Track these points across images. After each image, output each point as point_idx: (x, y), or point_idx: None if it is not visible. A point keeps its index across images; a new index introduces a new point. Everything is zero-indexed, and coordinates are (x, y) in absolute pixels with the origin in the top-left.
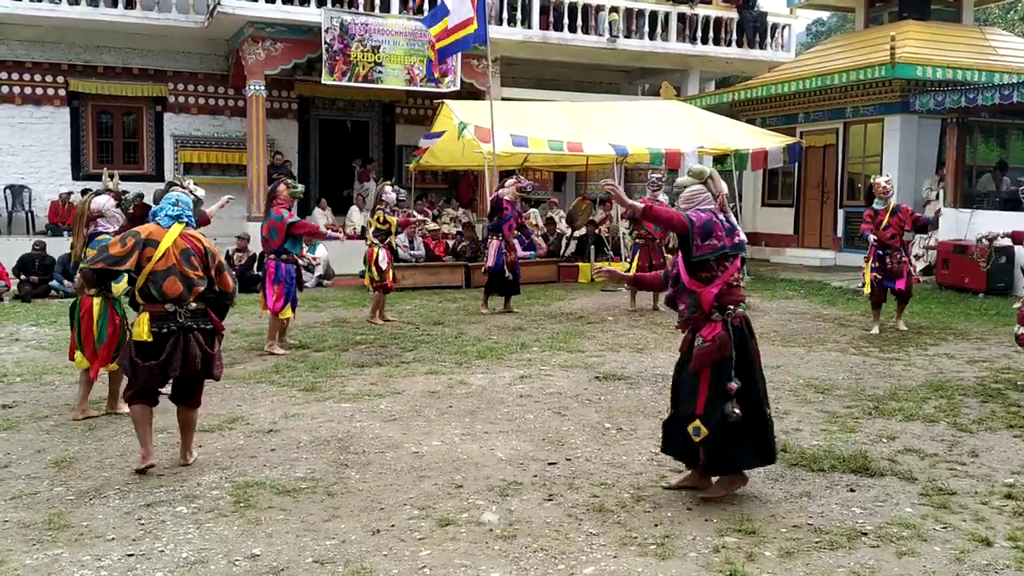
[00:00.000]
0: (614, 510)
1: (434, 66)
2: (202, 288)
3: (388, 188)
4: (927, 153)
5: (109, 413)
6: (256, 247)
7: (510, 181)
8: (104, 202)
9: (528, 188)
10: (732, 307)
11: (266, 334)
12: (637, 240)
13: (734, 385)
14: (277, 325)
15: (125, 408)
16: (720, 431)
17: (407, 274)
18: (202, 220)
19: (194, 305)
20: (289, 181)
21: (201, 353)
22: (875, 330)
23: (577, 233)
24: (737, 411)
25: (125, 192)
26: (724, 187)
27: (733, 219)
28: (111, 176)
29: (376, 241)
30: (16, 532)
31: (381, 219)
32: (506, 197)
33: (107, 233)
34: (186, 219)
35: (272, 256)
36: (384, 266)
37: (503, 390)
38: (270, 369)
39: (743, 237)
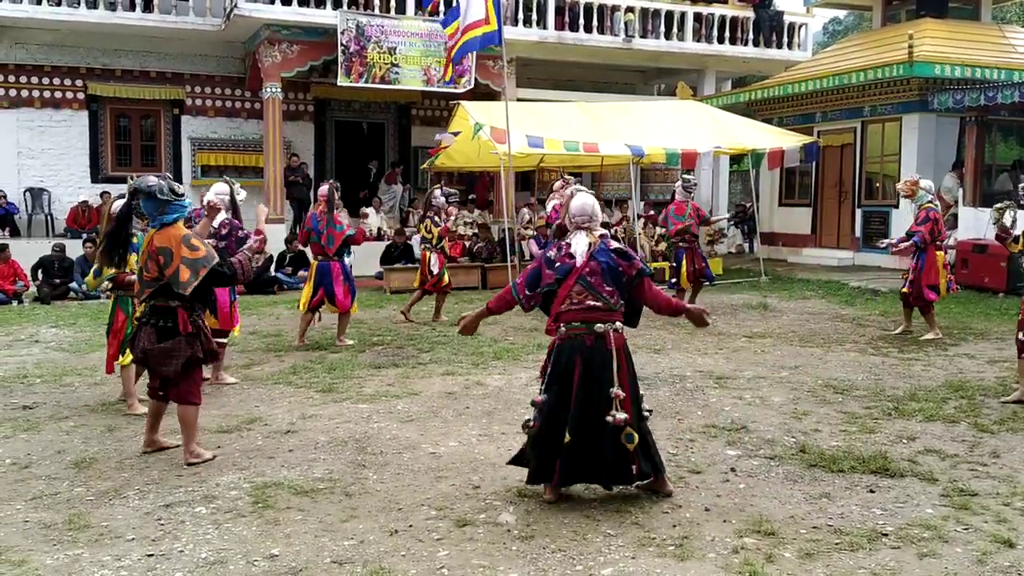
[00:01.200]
0: (632, 511)
1: (446, 70)
2: (152, 289)
3: (437, 192)
4: (946, 152)
5: (128, 413)
6: (272, 249)
7: (557, 184)
8: (122, 204)
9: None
10: (560, 326)
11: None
12: (680, 244)
13: (538, 399)
14: (347, 321)
15: (140, 409)
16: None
17: None
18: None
19: (154, 302)
20: (335, 183)
21: (143, 345)
22: (897, 329)
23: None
24: (533, 424)
25: None
26: (576, 200)
27: (573, 240)
28: (133, 177)
29: (428, 245)
30: (37, 532)
31: (428, 228)
32: (560, 202)
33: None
34: (158, 227)
35: (335, 258)
36: (436, 269)
37: (520, 391)
38: (287, 370)
39: (571, 262)
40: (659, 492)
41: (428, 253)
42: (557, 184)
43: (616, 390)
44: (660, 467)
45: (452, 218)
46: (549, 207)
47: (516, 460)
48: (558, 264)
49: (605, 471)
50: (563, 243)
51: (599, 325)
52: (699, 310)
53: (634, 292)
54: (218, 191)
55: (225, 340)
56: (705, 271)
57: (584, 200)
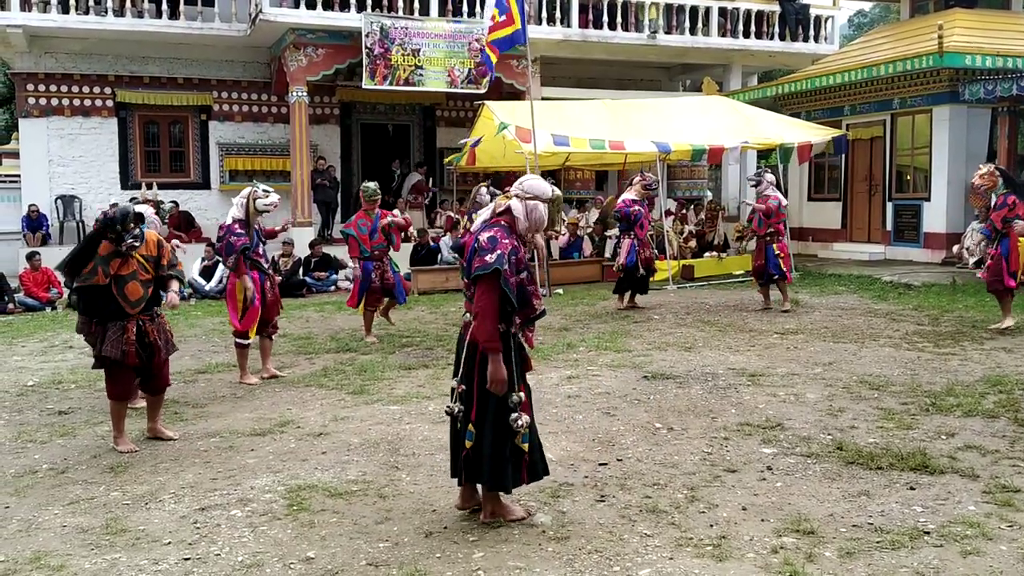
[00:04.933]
0: (668, 511)
1: (480, 62)
2: None
3: (484, 190)
4: (977, 143)
5: None
6: (300, 252)
7: (636, 178)
8: (143, 211)
9: (652, 185)
10: None
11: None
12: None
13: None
14: (369, 318)
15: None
16: None
17: (450, 276)
18: (268, 233)
19: None
20: (364, 184)
21: None
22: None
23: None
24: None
25: (162, 202)
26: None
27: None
28: (149, 186)
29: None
30: (75, 537)
31: (465, 224)
32: (632, 197)
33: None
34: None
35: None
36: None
37: (551, 391)
38: (318, 372)
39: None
40: (481, 512)
41: None
42: (636, 179)
43: (454, 381)
44: (500, 483)
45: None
46: (620, 200)
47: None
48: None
49: (457, 463)
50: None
51: (467, 315)
52: (495, 373)
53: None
54: (241, 194)
55: (245, 341)
56: (764, 267)
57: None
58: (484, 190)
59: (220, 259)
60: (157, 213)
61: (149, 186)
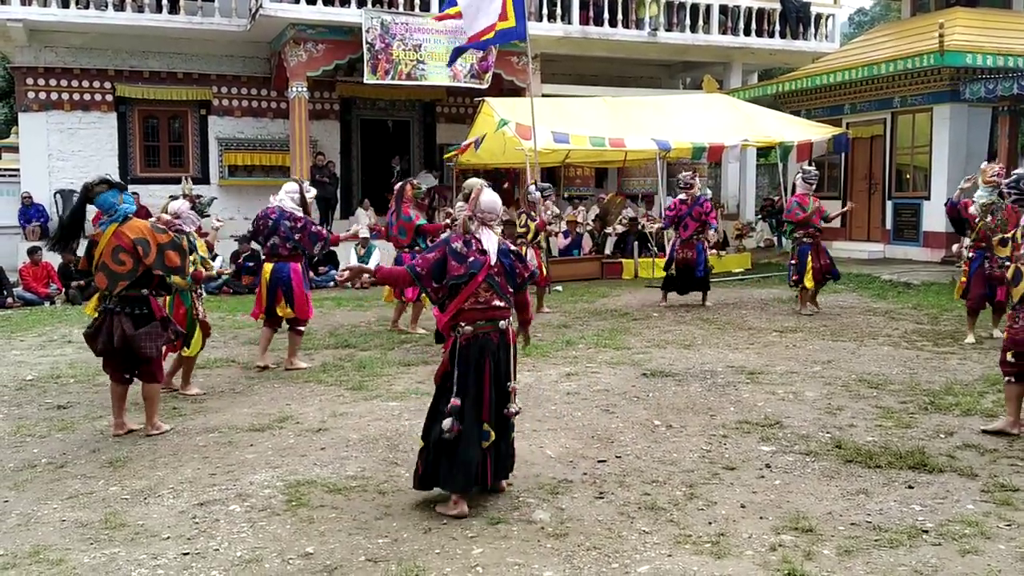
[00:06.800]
0: (666, 508)
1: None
2: (129, 281)
3: (532, 187)
4: (978, 143)
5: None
6: None
7: (686, 175)
8: (179, 205)
9: (682, 183)
10: (462, 325)
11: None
12: (804, 239)
13: (456, 402)
14: (418, 309)
15: (192, 390)
16: (436, 447)
17: None
18: (333, 239)
19: (124, 292)
20: (415, 182)
21: (123, 332)
22: (969, 339)
23: (618, 229)
24: (453, 428)
25: (199, 196)
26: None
27: (483, 236)
28: (187, 179)
29: (523, 240)
30: (74, 531)
31: (523, 223)
32: (679, 198)
33: (183, 232)
34: (120, 219)
35: (406, 250)
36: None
37: (550, 388)
38: (318, 368)
39: (484, 258)
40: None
41: (524, 248)
42: (686, 175)
43: (512, 384)
44: None
45: (548, 212)
46: (668, 200)
47: (425, 482)
48: (471, 259)
49: (505, 464)
50: (470, 237)
51: (503, 322)
52: (527, 335)
53: (518, 292)
54: (288, 190)
55: (303, 328)
56: (832, 268)
57: (494, 197)
58: (533, 187)
59: (300, 246)
60: (194, 208)
61: (187, 179)
